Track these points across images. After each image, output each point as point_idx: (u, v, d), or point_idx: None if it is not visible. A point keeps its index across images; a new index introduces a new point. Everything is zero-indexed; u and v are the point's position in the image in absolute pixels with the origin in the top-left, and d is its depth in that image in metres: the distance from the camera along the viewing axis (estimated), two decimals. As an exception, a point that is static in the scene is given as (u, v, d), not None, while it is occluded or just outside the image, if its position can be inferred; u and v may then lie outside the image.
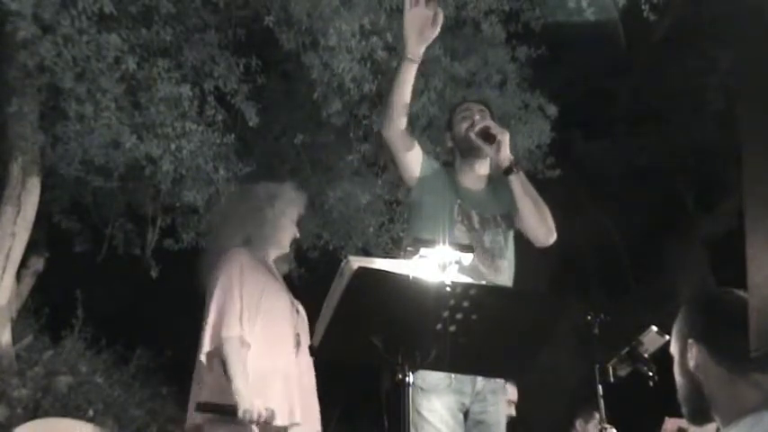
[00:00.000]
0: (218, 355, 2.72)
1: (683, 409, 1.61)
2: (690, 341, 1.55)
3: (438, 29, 2.60)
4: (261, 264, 2.93)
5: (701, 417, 1.59)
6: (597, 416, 5.13)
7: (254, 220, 2.98)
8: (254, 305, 2.79)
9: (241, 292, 2.76)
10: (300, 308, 3.01)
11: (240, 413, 2.59)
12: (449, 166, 2.90)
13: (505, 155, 2.68)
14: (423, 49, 2.62)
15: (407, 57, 2.61)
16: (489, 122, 2.72)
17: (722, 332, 1.50)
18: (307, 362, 2.90)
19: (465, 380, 2.58)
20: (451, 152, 2.91)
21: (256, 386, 2.68)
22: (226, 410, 2.61)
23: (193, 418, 2.74)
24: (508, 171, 2.68)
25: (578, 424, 5.34)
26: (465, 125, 2.78)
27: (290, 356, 2.83)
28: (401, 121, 2.65)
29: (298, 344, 2.87)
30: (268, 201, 3.02)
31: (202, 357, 2.73)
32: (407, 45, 2.61)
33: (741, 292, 1.48)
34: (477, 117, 2.78)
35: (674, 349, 1.63)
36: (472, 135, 2.69)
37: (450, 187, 2.77)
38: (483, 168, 2.83)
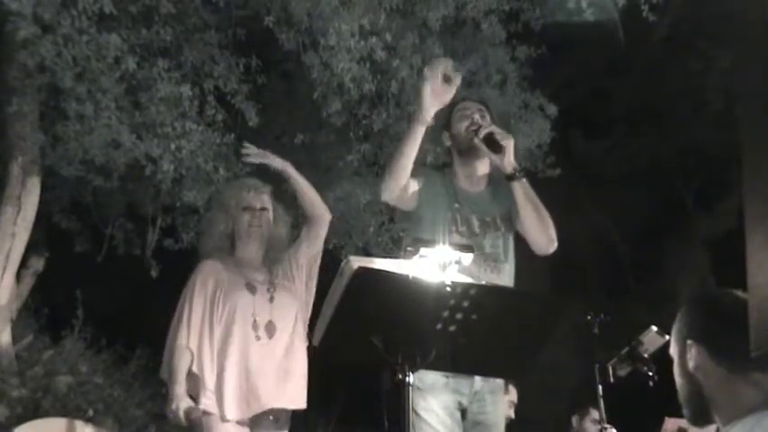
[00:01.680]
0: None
1: (685, 411, 1.61)
2: (689, 342, 1.55)
3: (453, 91, 2.58)
4: (223, 267, 3.03)
5: (702, 418, 1.58)
6: (593, 412, 5.15)
7: (223, 224, 3.11)
8: (207, 312, 2.96)
9: (191, 305, 2.97)
10: (279, 294, 3.04)
11: (167, 413, 2.83)
12: (447, 167, 2.87)
13: (509, 161, 2.61)
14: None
15: (420, 120, 2.57)
16: (494, 128, 2.65)
17: (721, 332, 1.50)
18: (284, 346, 2.98)
19: (462, 379, 2.57)
20: (449, 152, 2.86)
21: (214, 383, 2.88)
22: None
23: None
24: (511, 178, 2.62)
25: (574, 421, 5.34)
26: (465, 124, 2.73)
27: (249, 346, 2.92)
28: (402, 184, 2.64)
29: (270, 331, 2.97)
30: (220, 204, 3.19)
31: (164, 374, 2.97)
32: (423, 110, 2.56)
33: (740, 293, 1.48)
34: (477, 116, 2.73)
35: (673, 351, 1.63)
36: (476, 140, 2.63)
37: (447, 192, 2.73)
38: (482, 168, 2.77)
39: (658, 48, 7.69)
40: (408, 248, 1.87)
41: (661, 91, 8.05)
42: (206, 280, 3.00)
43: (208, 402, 2.85)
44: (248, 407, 2.87)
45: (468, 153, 2.73)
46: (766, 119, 1.14)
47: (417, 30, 5.15)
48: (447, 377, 2.54)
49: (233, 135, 5.12)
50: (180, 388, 2.83)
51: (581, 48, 6.94)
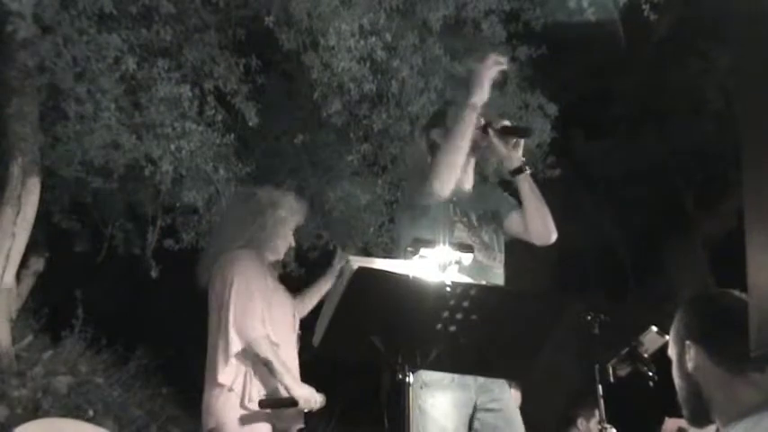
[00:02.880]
0: (244, 356, 2.83)
1: (684, 412, 1.61)
2: (687, 343, 1.55)
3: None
4: (263, 267, 3.00)
5: (701, 418, 1.58)
6: (597, 414, 5.14)
7: (255, 224, 3.04)
8: (267, 308, 2.88)
9: (256, 295, 2.86)
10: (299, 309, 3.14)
11: (302, 403, 2.81)
12: None
13: (519, 154, 2.72)
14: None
15: (474, 105, 2.61)
16: (507, 121, 2.75)
17: (720, 333, 1.50)
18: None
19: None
20: (435, 149, 2.85)
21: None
22: (285, 403, 2.83)
23: (207, 423, 2.85)
24: (519, 171, 2.72)
25: (580, 423, 5.34)
26: None
27: (295, 361, 2.97)
28: (459, 173, 2.65)
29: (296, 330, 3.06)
30: (270, 206, 3.08)
31: (231, 357, 2.81)
32: (477, 93, 2.62)
33: (738, 293, 1.48)
34: (482, 119, 2.74)
35: (671, 352, 1.63)
36: (491, 131, 2.70)
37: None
38: (471, 167, 2.85)
39: (658, 48, 7.69)
40: (408, 248, 1.87)
41: (661, 91, 8.05)
42: (258, 273, 2.94)
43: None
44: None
45: (470, 151, 2.74)
46: (766, 119, 1.14)
47: (417, 30, 5.14)
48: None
49: (233, 135, 5.11)
50: (293, 377, 2.85)
51: (581, 48, 6.94)
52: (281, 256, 3.13)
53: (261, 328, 2.81)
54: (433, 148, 2.78)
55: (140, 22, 4.76)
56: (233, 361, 2.82)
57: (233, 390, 2.82)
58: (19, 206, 5.06)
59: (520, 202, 2.79)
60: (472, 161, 2.82)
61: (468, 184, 2.84)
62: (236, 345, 2.80)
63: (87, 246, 6.33)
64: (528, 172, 2.72)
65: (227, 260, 2.93)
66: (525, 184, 2.72)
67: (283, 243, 3.11)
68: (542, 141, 5.93)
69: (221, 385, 2.83)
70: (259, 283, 2.90)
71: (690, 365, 1.54)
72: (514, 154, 2.71)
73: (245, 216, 3.07)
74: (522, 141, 2.72)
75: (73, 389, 5.08)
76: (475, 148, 2.73)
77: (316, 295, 3.18)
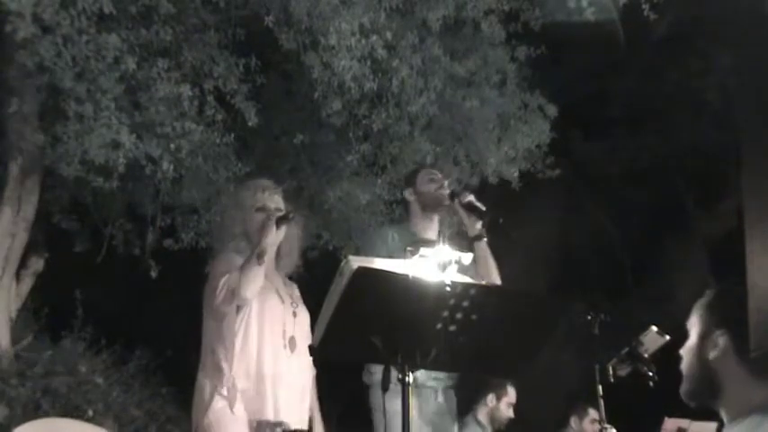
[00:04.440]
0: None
1: (684, 386, 1.58)
2: (718, 332, 1.52)
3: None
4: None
5: (699, 401, 1.57)
6: (592, 412, 5.15)
7: (231, 225, 3.06)
8: (257, 313, 2.86)
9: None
10: (300, 311, 3.03)
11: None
12: (399, 224, 3.39)
13: (478, 225, 3.17)
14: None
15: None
16: (472, 196, 3.19)
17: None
18: (300, 364, 2.92)
19: None
20: (408, 205, 3.37)
21: (251, 388, 2.79)
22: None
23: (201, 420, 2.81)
24: (479, 238, 3.16)
25: (573, 421, 5.35)
26: (434, 186, 3.29)
27: (280, 359, 2.87)
28: None
29: (293, 346, 2.91)
30: (235, 204, 3.12)
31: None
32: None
33: None
34: (447, 183, 3.28)
35: (693, 330, 1.58)
36: (456, 203, 3.16)
37: (416, 241, 3.15)
38: (436, 224, 3.32)
39: (658, 48, 7.69)
40: (408, 248, 1.87)
41: (661, 91, 8.05)
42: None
43: (226, 397, 2.79)
44: (262, 413, 2.80)
45: (434, 209, 3.28)
46: (766, 119, 1.14)
47: (417, 29, 5.14)
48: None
49: (233, 135, 5.11)
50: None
51: (581, 48, 6.94)
52: (263, 248, 2.83)
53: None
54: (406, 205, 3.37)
55: (140, 22, 4.75)
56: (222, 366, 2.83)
57: (220, 392, 2.81)
58: (19, 206, 5.05)
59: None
60: (435, 217, 3.30)
61: (434, 235, 3.25)
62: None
63: (87, 246, 6.32)
64: (485, 240, 3.15)
65: (212, 265, 2.96)
66: (480, 252, 3.13)
67: (253, 231, 2.96)
68: (542, 142, 5.93)
69: (208, 385, 2.84)
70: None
71: (712, 354, 1.51)
72: (475, 223, 3.15)
73: (229, 219, 3.12)
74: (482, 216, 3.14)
75: (73, 389, 5.08)
76: (439, 207, 3.26)
77: None
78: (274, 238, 2.86)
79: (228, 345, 2.82)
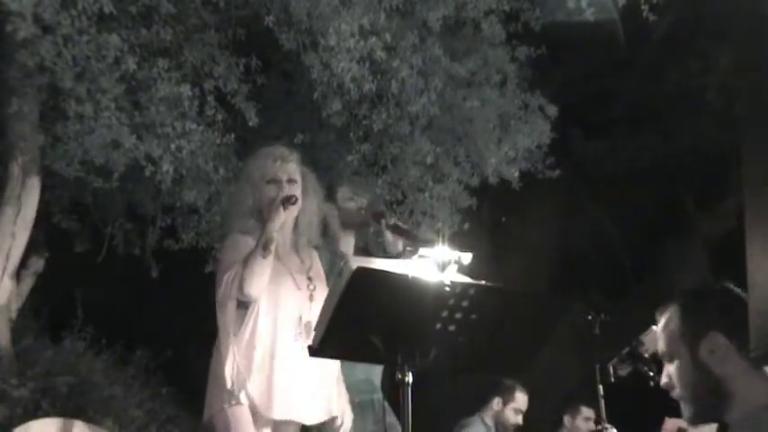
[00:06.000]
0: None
1: (690, 410, 1.55)
2: (712, 333, 1.50)
3: None
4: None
5: (707, 418, 1.55)
6: (584, 410, 5.17)
7: (240, 199, 2.92)
8: (269, 299, 2.77)
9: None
10: (317, 292, 2.87)
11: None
12: (325, 237, 3.39)
13: (401, 245, 3.23)
14: None
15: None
16: (399, 222, 3.33)
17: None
18: None
19: None
20: (326, 221, 3.38)
21: (256, 371, 2.72)
22: None
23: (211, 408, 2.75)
24: (399, 256, 3.18)
25: (566, 420, 5.36)
26: (353, 205, 3.45)
27: (293, 351, 2.76)
28: None
29: (309, 332, 2.75)
30: (245, 176, 2.94)
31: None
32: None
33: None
34: (365, 203, 3.46)
35: (676, 350, 1.56)
36: (382, 223, 3.25)
37: (336, 256, 3.25)
38: (353, 237, 3.49)
39: (658, 48, 7.68)
40: (408, 248, 1.88)
41: (661, 91, 8.04)
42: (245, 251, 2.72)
43: (234, 391, 2.71)
44: (274, 411, 2.74)
45: (351, 227, 3.45)
46: (766, 119, 1.14)
47: (417, 30, 5.14)
48: None
49: (233, 135, 5.11)
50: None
51: (581, 48, 6.94)
52: (269, 236, 2.68)
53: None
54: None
55: (140, 22, 4.76)
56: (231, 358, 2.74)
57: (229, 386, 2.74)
58: (19, 206, 5.05)
59: None
60: (352, 240, 3.46)
61: (351, 251, 3.41)
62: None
63: (87, 246, 6.32)
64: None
65: (221, 251, 2.91)
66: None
67: (264, 204, 2.79)
68: (542, 142, 5.93)
69: (219, 377, 2.77)
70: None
71: (709, 358, 1.49)
72: (397, 242, 3.26)
73: (239, 193, 2.97)
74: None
75: (73, 389, 5.08)
76: (358, 228, 3.43)
77: None
78: (281, 221, 2.70)
79: (239, 337, 2.73)
